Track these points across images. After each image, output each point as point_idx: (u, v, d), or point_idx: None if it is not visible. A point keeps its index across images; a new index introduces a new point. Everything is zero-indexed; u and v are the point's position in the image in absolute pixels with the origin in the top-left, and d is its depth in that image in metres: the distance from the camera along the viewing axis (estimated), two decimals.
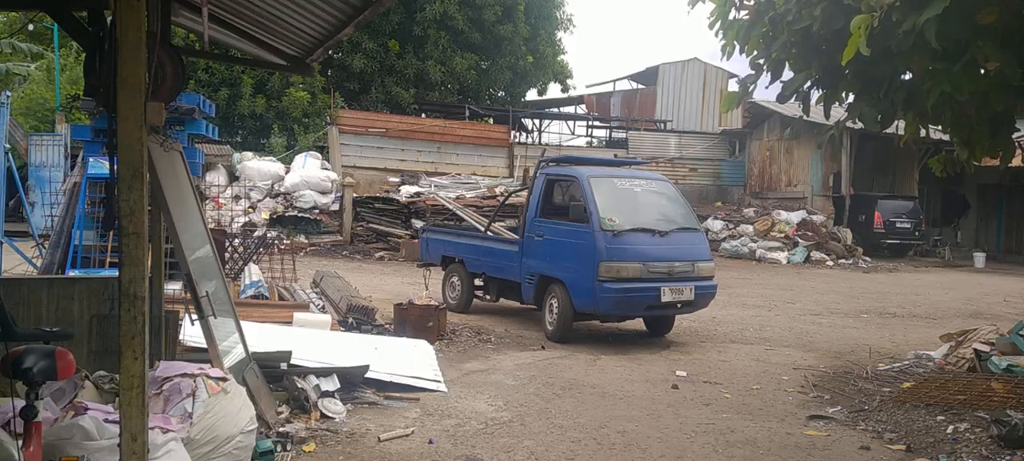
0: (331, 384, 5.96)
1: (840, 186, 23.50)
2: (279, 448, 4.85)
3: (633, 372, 7.59)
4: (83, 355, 4.84)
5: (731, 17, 5.91)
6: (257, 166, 19.56)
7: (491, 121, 26.46)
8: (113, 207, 3.76)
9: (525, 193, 11.02)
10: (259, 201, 18.94)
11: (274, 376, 5.93)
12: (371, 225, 19.14)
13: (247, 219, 17.58)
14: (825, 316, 11.73)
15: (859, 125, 5.93)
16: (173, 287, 6.72)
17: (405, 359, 7.05)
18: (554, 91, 33.09)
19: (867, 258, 21.16)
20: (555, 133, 30.28)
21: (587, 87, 41.27)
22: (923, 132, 6.25)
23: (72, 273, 8.48)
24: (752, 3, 5.77)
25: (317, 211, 19.23)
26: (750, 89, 6.31)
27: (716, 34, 5.91)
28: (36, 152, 17.71)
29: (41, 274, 8.91)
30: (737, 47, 5.92)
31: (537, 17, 28.60)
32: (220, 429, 4.09)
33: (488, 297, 10.57)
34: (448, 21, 25.47)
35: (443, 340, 8.48)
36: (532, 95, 31.96)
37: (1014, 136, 5.81)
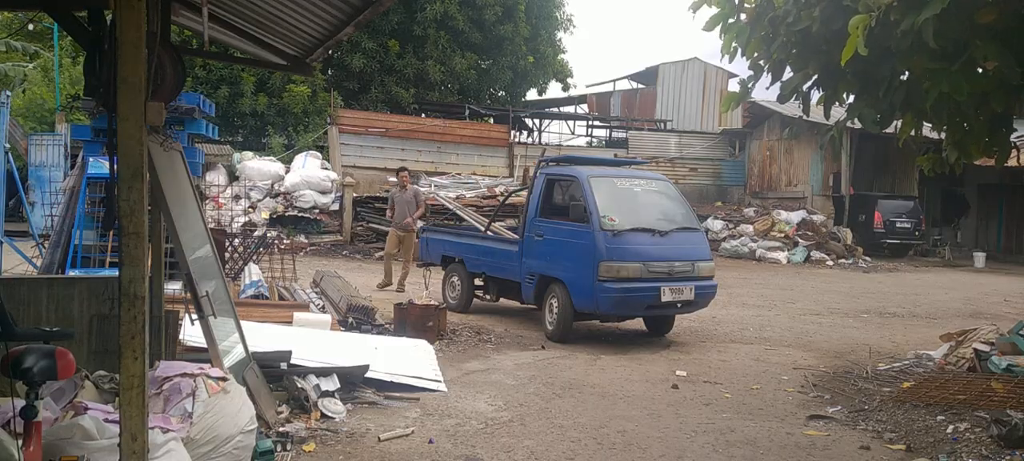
0: (331, 384, 5.96)
1: (840, 186, 23.50)
2: (279, 448, 4.85)
3: (633, 372, 7.59)
4: (83, 355, 4.84)
5: (730, 21, 5.91)
6: (257, 166, 19.57)
7: (491, 121, 26.46)
8: (113, 207, 3.76)
9: (525, 193, 11.02)
10: (259, 201, 18.94)
11: (274, 376, 5.93)
12: (371, 225, 19.14)
13: (247, 219, 17.58)
14: (825, 316, 11.73)
15: (859, 125, 5.94)
16: (173, 287, 6.72)
17: (405, 359, 7.05)
18: (554, 91, 33.15)
19: (867, 258, 21.16)
20: (555, 133, 30.32)
21: (587, 87, 41.31)
22: (921, 132, 6.26)
23: (72, 273, 8.48)
24: (751, 5, 5.77)
25: (317, 211, 19.23)
26: (750, 89, 6.32)
27: (719, 36, 5.90)
28: (36, 152, 17.72)
29: (41, 274, 8.91)
30: (738, 50, 5.92)
31: (537, 17, 28.59)
32: (220, 429, 4.10)
33: (488, 297, 10.57)
34: (448, 21, 25.46)
35: (443, 340, 8.48)
36: (532, 95, 32.00)
37: (1012, 137, 5.82)
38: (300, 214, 19.02)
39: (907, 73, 5.34)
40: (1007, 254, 24.45)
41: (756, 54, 5.91)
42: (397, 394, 6.24)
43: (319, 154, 20.86)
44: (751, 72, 6.13)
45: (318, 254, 17.46)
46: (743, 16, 5.84)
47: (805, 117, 6.80)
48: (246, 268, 10.18)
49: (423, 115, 25.65)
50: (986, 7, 4.44)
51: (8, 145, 12.11)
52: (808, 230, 21.67)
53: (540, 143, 26.62)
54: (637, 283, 8.50)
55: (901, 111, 5.63)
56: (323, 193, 19.29)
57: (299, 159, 20.11)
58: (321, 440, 5.15)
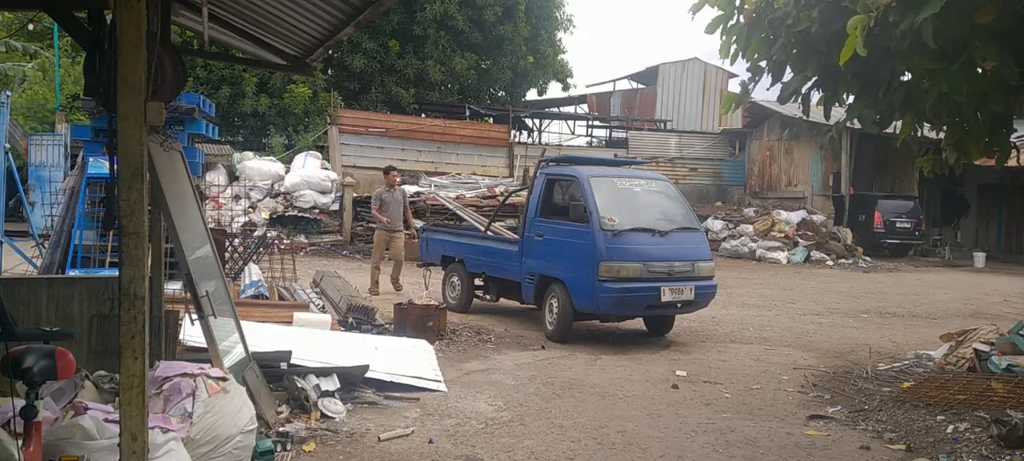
0: (331, 384, 5.96)
1: (840, 186, 23.49)
2: (279, 448, 4.86)
3: (633, 372, 7.59)
4: (83, 355, 4.84)
5: (730, 23, 5.91)
6: (257, 166, 19.57)
7: (491, 121, 26.47)
8: (113, 207, 3.76)
9: (525, 193, 11.02)
10: (259, 201, 18.95)
11: (274, 376, 5.93)
12: (371, 225, 19.10)
13: (247, 219, 17.58)
14: (825, 316, 11.73)
15: (859, 125, 5.95)
16: (173, 287, 6.72)
17: (405, 359, 7.05)
18: (555, 91, 33.16)
19: (867, 258, 21.16)
20: (555, 133, 30.32)
21: (587, 87, 41.35)
22: (920, 132, 6.27)
23: (72, 273, 8.48)
24: (751, 7, 5.77)
25: (317, 211, 19.23)
26: (750, 91, 6.32)
27: (720, 38, 5.90)
28: (36, 152, 17.72)
29: (41, 274, 8.91)
30: (739, 52, 5.91)
31: (537, 17, 28.60)
32: (220, 429, 4.10)
33: (488, 297, 10.57)
34: (448, 21, 25.47)
35: (443, 340, 8.48)
36: (532, 95, 32.00)
37: (1012, 137, 5.82)
38: (300, 214, 19.02)
39: (907, 74, 5.34)
40: (1007, 254, 24.44)
41: (756, 56, 5.91)
42: (397, 394, 6.24)
43: (319, 154, 20.87)
44: (751, 74, 6.13)
45: (318, 254, 17.46)
46: (743, 18, 5.84)
47: (805, 118, 6.81)
48: (246, 268, 10.18)
49: (423, 115, 25.66)
50: (985, 7, 4.44)
51: (8, 145, 12.11)
52: (808, 230, 21.67)
53: (540, 143, 26.62)
54: (637, 283, 8.49)
55: (901, 111, 5.64)
56: (323, 193, 19.29)
57: (299, 159, 20.11)
58: (321, 440, 5.16)
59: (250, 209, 18.52)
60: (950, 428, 5.81)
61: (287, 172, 19.62)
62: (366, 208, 19.48)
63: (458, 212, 17.25)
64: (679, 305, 8.82)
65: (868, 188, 24.60)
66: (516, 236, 10.18)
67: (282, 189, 19.19)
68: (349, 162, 21.30)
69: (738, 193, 26.91)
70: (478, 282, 10.66)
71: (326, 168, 20.24)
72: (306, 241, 18.38)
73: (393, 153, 21.86)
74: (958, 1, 4.33)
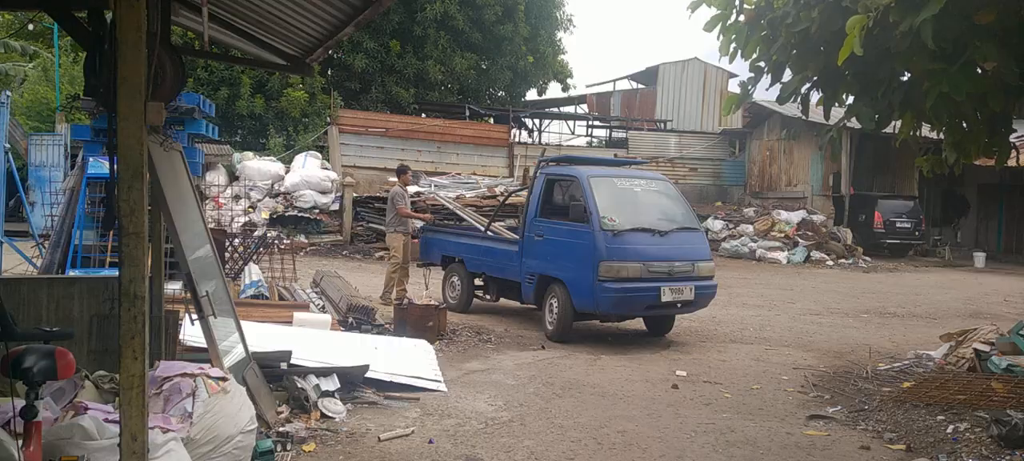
0: (331, 384, 5.97)
1: (840, 186, 23.50)
2: (279, 448, 4.86)
3: (633, 372, 7.59)
4: (83, 355, 4.84)
5: (730, 22, 5.90)
6: (257, 166, 19.57)
7: (491, 121, 26.46)
8: (113, 207, 3.76)
9: (525, 193, 11.01)
10: (259, 201, 18.95)
11: (274, 376, 5.93)
12: (371, 225, 19.13)
13: (247, 219, 17.58)
14: (825, 316, 11.73)
15: (858, 125, 5.95)
16: (173, 287, 6.72)
17: (405, 359, 7.05)
18: (554, 91, 33.14)
19: (867, 258, 21.15)
20: (555, 133, 30.28)
21: (587, 87, 41.34)
22: (919, 131, 6.27)
23: (72, 273, 8.48)
24: (751, 7, 5.77)
25: (317, 211, 19.23)
26: (751, 92, 6.32)
27: (717, 37, 5.90)
28: (36, 152, 17.73)
29: (41, 274, 8.91)
30: (738, 50, 5.91)
31: (537, 17, 28.59)
32: (220, 429, 4.10)
33: (488, 297, 10.57)
34: (448, 21, 25.47)
35: (443, 340, 8.48)
36: (532, 95, 31.99)
37: (1012, 137, 5.82)
38: (300, 214, 19.02)
39: (906, 74, 5.34)
40: (1007, 254, 24.44)
41: (755, 56, 5.91)
42: (397, 394, 6.24)
43: (319, 154, 20.87)
44: (751, 74, 6.13)
45: (318, 254, 17.46)
46: (742, 17, 5.84)
47: (805, 118, 6.82)
48: (246, 268, 10.18)
49: (423, 115, 25.65)
50: (985, 7, 4.44)
51: (8, 145, 12.11)
52: (808, 230, 21.67)
53: (540, 143, 26.61)
54: (637, 283, 8.50)
55: (900, 111, 5.64)
56: (323, 193, 19.30)
57: (299, 159, 20.11)
58: (321, 440, 5.16)
59: (250, 209, 18.52)
60: (950, 428, 5.81)
61: (287, 172, 19.62)
62: (366, 208, 19.50)
63: (458, 212, 17.24)
64: (679, 305, 8.83)
65: (868, 188, 24.60)
66: (516, 236, 10.19)
67: (282, 189, 19.19)
68: (349, 162, 21.31)
69: (738, 193, 26.91)
70: (478, 282, 10.66)
71: (326, 168, 20.24)
72: (306, 241, 18.39)
73: (393, 153, 21.85)
74: (958, 1, 4.33)
